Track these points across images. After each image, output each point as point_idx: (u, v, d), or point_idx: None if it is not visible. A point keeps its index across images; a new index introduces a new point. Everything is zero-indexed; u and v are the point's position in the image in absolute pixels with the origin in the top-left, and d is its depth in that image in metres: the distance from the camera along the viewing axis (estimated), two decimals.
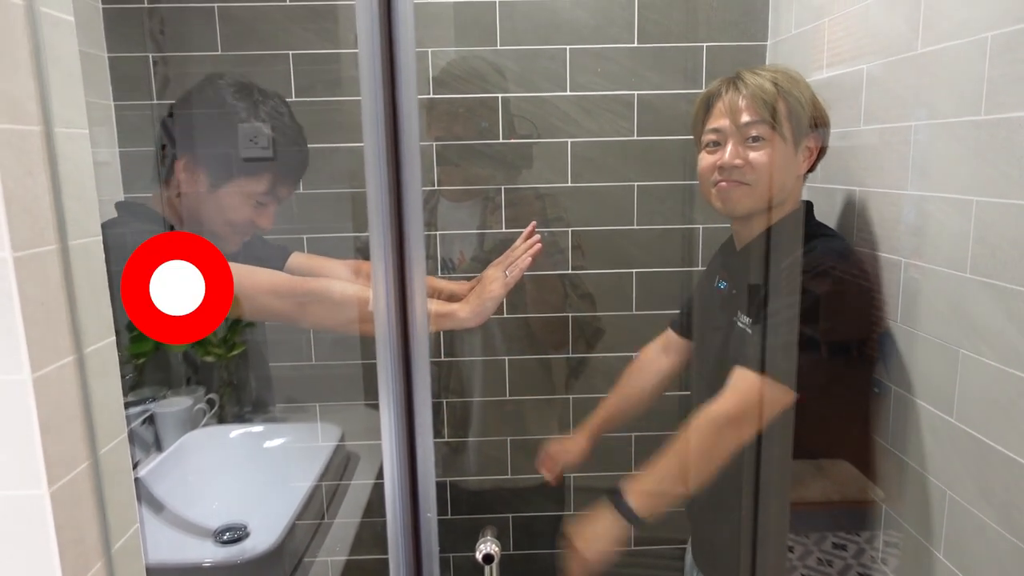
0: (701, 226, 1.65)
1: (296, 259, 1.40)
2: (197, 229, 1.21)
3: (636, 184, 1.63)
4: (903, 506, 1.15)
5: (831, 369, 1.11)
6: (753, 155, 1.12)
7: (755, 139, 1.12)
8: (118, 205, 1.22)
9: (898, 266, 1.13)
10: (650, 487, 1.12)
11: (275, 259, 1.38)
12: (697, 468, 1.10)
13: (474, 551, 1.09)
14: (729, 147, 1.13)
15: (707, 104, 1.19)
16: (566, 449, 1.43)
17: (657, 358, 1.44)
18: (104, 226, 1.24)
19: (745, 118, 1.12)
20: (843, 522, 1.26)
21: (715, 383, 1.20)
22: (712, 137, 1.16)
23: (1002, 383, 0.91)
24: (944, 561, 1.04)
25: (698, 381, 1.34)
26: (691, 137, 1.63)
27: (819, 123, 1.15)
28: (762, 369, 1.07)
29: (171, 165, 1.18)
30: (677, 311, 1.46)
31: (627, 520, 1.10)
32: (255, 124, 1.17)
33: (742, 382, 1.09)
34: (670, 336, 1.43)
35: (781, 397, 1.06)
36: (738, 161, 1.12)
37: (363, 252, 1.61)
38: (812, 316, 1.06)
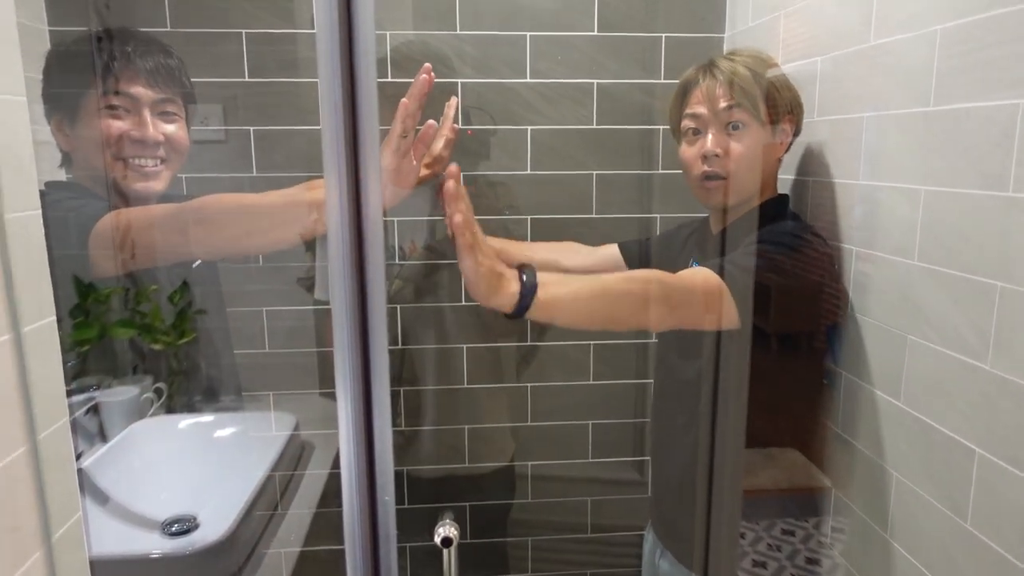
0: (659, 215, 1.66)
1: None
2: (108, 182, 1.16)
3: (595, 173, 1.63)
4: (853, 490, 1.18)
5: (782, 360, 1.13)
6: (734, 144, 1.12)
7: (734, 126, 1.12)
8: (47, 184, 1.16)
9: (850, 255, 1.16)
10: (560, 290, 0.91)
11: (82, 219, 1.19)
12: (603, 309, 0.96)
13: (429, 539, 1.08)
14: (710, 135, 1.13)
15: (684, 92, 1.19)
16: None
17: (584, 258, 1.37)
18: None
19: (723, 104, 1.12)
20: (792, 509, 1.28)
21: (685, 361, 1.21)
22: (691, 125, 1.16)
23: (946, 366, 0.94)
24: (892, 542, 1.07)
25: (663, 366, 1.34)
26: (650, 127, 1.64)
27: (793, 104, 1.16)
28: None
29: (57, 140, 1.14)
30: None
31: (521, 290, 0.87)
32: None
33: (698, 275, 1.01)
34: (613, 254, 1.37)
35: (717, 290, 0.99)
36: (719, 150, 1.12)
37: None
38: (765, 307, 1.06)
